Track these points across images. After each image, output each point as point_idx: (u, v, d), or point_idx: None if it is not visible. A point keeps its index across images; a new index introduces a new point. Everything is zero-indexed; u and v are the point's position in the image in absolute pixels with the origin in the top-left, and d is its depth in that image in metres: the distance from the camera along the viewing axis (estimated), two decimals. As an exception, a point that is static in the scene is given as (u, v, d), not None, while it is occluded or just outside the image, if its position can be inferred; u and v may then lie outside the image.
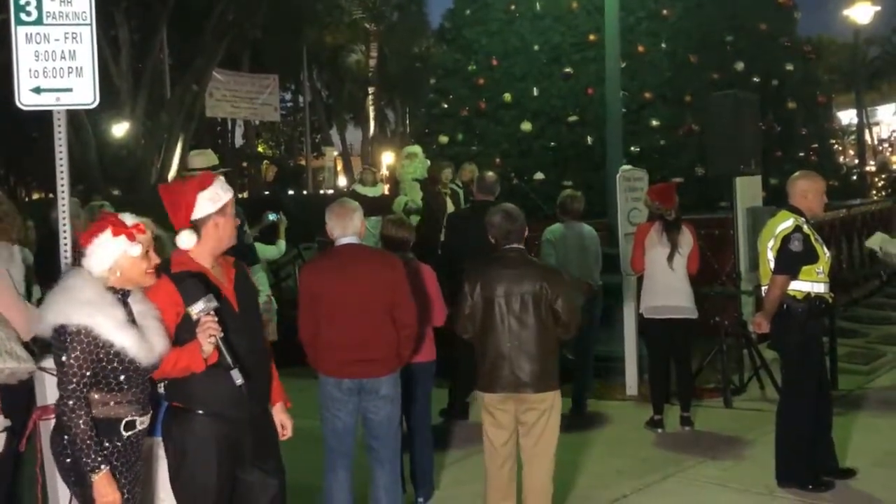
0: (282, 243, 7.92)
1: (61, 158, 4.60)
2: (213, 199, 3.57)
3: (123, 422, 3.22)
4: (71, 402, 3.08)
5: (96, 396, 3.16)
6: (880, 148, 41.49)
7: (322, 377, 4.80)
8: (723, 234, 9.05)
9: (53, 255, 4.70)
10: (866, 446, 6.29)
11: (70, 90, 4.62)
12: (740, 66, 14.02)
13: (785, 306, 5.50)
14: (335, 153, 47.27)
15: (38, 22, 4.58)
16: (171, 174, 23.17)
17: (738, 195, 8.54)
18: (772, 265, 5.55)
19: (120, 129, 23.35)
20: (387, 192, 13.10)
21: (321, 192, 35.51)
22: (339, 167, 46.22)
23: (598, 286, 7.48)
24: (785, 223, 5.53)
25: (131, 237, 3.24)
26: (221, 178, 3.72)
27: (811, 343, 5.61)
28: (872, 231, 12.22)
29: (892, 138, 44.89)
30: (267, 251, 7.76)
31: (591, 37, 14.11)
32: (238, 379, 3.38)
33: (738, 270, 8.35)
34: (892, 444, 6.45)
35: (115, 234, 3.22)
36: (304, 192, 29.01)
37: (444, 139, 15.44)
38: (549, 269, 5.02)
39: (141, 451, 3.38)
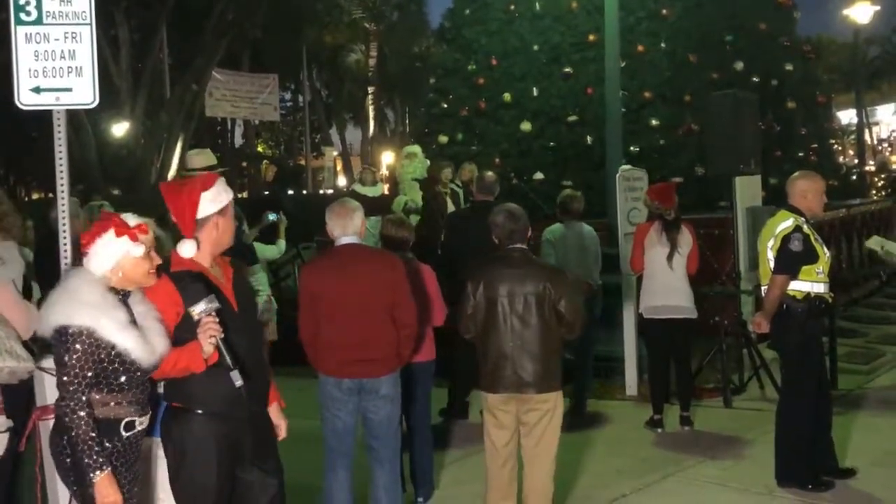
0: (282, 243, 7.92)
1: (61, 158, 4.59)
2: (215, 199, 3.57)
3: (123, 422, 3.22)
4: (72, 404, 3.07)
5: (97, 397, 3.15)
6: (880, 148, 41.53)
7: (322, 377, 4.80)
8: (722, 234, 9.05)
9: (53, 254, 4.70)
10: (866, 446, 6.29)
11: (70, 90, 4.61)
12: (740, 65, 14.03)
13: (785, 306, 5.50)
14: (335, 153, 47.30)
15: (38, 22, 4.57)
16: (171, 174, 23.17)
17: (738, 195, 8.54)
18: (772, 265, 5.55)
19: (120, 129, 23.35)
20: (386, 192, 13.10)
21: (321, 191, 35.51)
22: (339, 167, 46.24)
23: (598, 286, 7.48)
24: (785, 223, 5.53)
25: (134, 238, 3.24)
26: (222, 178, 3.72)
27: (811, 343, 5.61)
28: (872, 231, 12.24)
29: (892, 138, 44.92)
30: (266, 251, 7.76)
31: (591, 37, 14.13)
32: (238, 380, 3.38)
33: (738, 270, 8.35)
34: (892, 444, 6.45)
35: (119, 234, 3.22)
36: (304, 192, 29.02)
37: (443, 139, 15.45)
38: (552, 269, 5.01)
39: (140, 452, 3.37)
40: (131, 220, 3.29)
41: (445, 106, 16.08)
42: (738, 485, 5.73)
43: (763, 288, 5.69)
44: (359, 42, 39.59)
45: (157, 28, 24.42)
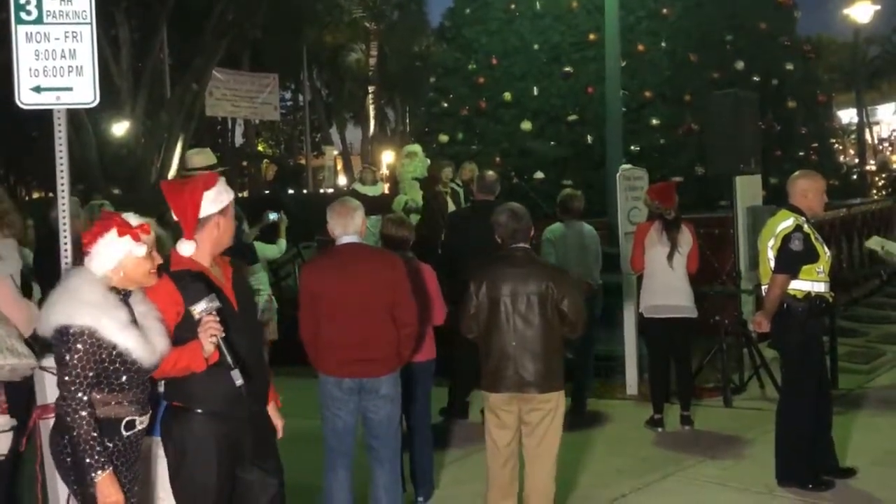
0: (282, 242, 7.92)
1: (61, 158, 4.59)
2: (217, 199, 3.57)
3: (124, 421, 3.22)
4: (74, 403, 3.07)
5: (97, 397, 3.15)
6: (880, 147, 41.50)
7: (322, 376, 4.79)
8: (723, 234, 9.06)
9: (53, 254, 4.70)
10: (866, 445, 6.29)
11: (70, 89, 4.61)
12: (740, 65, 14.04)
13: (785, 305, 5.50)
14: (335, 152, 47.29)
15: (39, 21, 4.57)
16: (171, 173, 23.15)
17: (738, 194, 8.54)
18: (772, 264, 5.55)
19: (120, 129, 23.36)
20: (387, 192, 13.10)
21: (321, 191, 35.50)
22: (339, 166, 46.23)
23: (598, 285, 7.48)
24: (785, 222, 5.53)
25: (136, 237, 3.24)
26: (222, 178, 3.72)
27: (811, 342, 5.61)
28: (873, 230, 12.24)
29: (893, 137, 44.89)
30: (267, 250, 7.76)
31: (591, 36, 14.13)
32: (238, 379, 3.38)
33: (738, 269, 8.35)
34: (892, 444, 6.45)
35: (121, 234, 3.22)
36: (304, 192, 29.02)
37: (444, 138, 15.46)
38: (555, 268, 5.01)
39: (140, 451, 3.38)
40: (133, 219, 3.29)
41: (446, 105, 16.08)
42: (738, 484, 5.73)
43: (763, 287, 5.69)
44: (359, 41, 39.60)
45: (157, 28, 24.42)
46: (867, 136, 36.64)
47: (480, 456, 5.05)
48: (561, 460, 4.74)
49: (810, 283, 5.50)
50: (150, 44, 24.96)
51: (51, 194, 13.53)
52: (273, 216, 7.83)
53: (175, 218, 3.56)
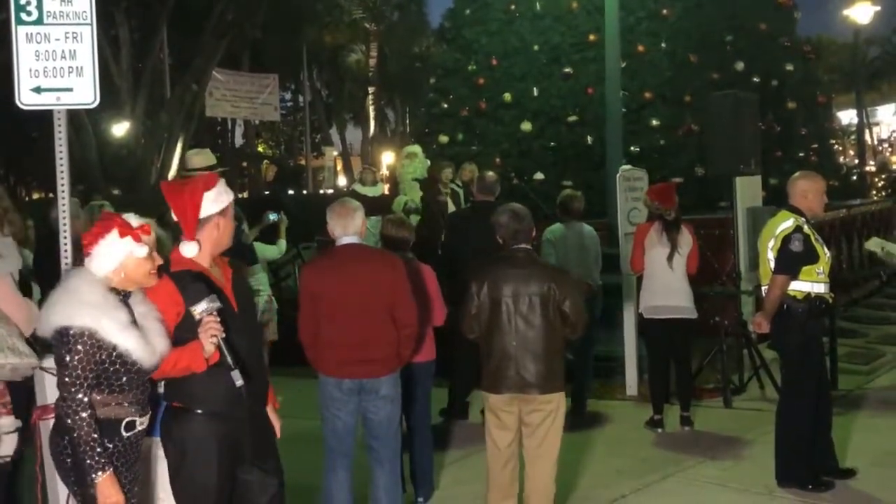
0: (282, 243, 7.93)
1: (61, 158, 4.59)
2: (217, 199, 3.58)
3: (124, 422, 3.22)
4: (74, 405, 3.07)
5: (97, 398, 3.15)
6: (880, 148, 41.52)
7: (322, 377, 4.79)
8: (723, 234, 9.05)
9: (53, 255, 4.70)
10: (866, 446, 6.29)
11: (70, 90, 4.61)
12: (740, 65, 14.04)
13: (785, 306, 5.50)
14: (335, 153, 47.28)
15: (39, 21, 4.57)
16: (171, 174, 23.16)
17: (738, 195, 8.54)
18: (772, 265, 5.55)
19: (120, 129, 23.36)
20: (387, 192, 13.10)
21: (321, 191, 35.51)
22: (339, 167, 46.22)
23: (598, 286, 7.48)
24: (785, 223, 5.53)
25: (137, 238, 3.24)
26: (222, 179, 3.73)
27: (811, 343, 5.61)
28: (872, 231, 12.25)
29: (892, 138, 44.91)
30: (267, 251, 7.76)
31: (591, 37, 14.14)
32: (238, 380, 3.38)
33: (738, 270, 8.35)
34: (892, 444, 6.45)
35: (122, 235, 3.21)
36: (304, 192, 29.03)
37: (444, 139, 15.46)
38: (557, 269, 5.01)
39: (140, 452, 3.38)
40: (133, 220, 3.29)
41: (446, 106, 16.09)
42: (738, 485, 5.73)
43: (763, 288, 5.69)
44: (359, 42, 39.60)
45: (157, 28, 24.43)
46: (867, 136, 36.64)
47: (480, 457, 5.05)
48: (561, 461, 4.74)
49: (810, 283, 5.50)
50: (150, 44, 24.97)
51: (51, 195, 13.54)
52: (273, 217, 7.84)
53: (175, 218, 3.56)
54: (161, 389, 3.59)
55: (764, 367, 7.77)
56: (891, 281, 12.50)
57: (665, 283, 6.97)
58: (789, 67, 14.91)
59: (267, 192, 22.22)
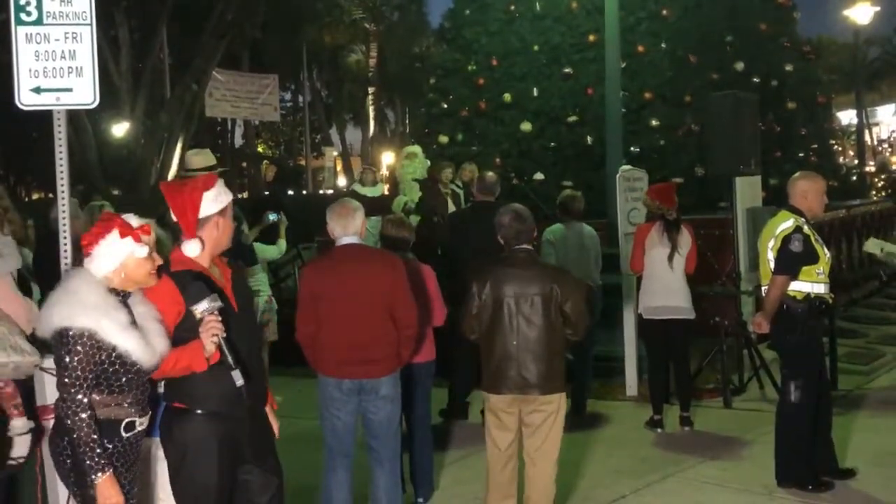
0: (282, 243, 7.92)
1: (61, 158, 4.59)
2: (216, 199, 3.58)
3: (124, 423, 3.22)
4: (74, 405, 3.07)
5: (97, 398, 3.15)
6: (880, 148, 41.58)
7: (322, 378, 4.79)
8: (722, 235, 9.05)
9: (53, 255, 4.70)
10: (866, 446, 6.29)
11: (70, 90, 4.61)
12: (740, 66, 14.03)
13: (785, 306, 5.50)
14: (335, 153, 47.24)
15: (39, 22, 4.58)
16: (171, 174, 23.15)
17: (738, 195, 8.54)
18: (772, 265, 5.55)
19: (120, 129, 23.35)
20: (386, 192, 13.10)
21: (321, 192, 35.51)
22: (339, 167, 46.21)
23: (598, 286, 7.48)
24: (785, 223, 5.53)
25: (138, 239, 3.24)
26: (221, 179, 3.73)
27: (811, 343, 5.61)
28: (872, 232, 12.25)
29: (892, 139, 44.95)
30: (267, 251, 7.76)
31: (591, 37, 14.14)
32: (239, 380, 3.38)
33: (738, 270, 8.35)
34: (892, 444, 6.45)
35: (123, 235, 3.22)
36: (304, 192, 29.03)
37: (443, 139, 15.46)
38: (558, 270, 5.01)
39: (139, 452, 3.38)
40: (133, 220, 3.29)
41: (445, 106, 16.09)
42: (737, 485, 5.73)
43: (763, 288, 5.69)
44: (359, 42, 39.62)
45: (157, 28, 24.41)
46: (867, 137, 36.68)
47: (480, 457, 5.05)
48: (561, 461, 4.74)
49: (810, 284, 5.50)
50: (150, 44, 24.95)
51: (51, 195, 13.54)
52: (273, 217, 7.84)
53: (175, 219, 3.56)
54: (161, 389, 3.59)
55: (764, 368, 7.77)
56: (891, 281, 12.49)
57: (665, 284, 6.96)
58: (789, 67, 14.91)
59: (267, 193, 22.18)
